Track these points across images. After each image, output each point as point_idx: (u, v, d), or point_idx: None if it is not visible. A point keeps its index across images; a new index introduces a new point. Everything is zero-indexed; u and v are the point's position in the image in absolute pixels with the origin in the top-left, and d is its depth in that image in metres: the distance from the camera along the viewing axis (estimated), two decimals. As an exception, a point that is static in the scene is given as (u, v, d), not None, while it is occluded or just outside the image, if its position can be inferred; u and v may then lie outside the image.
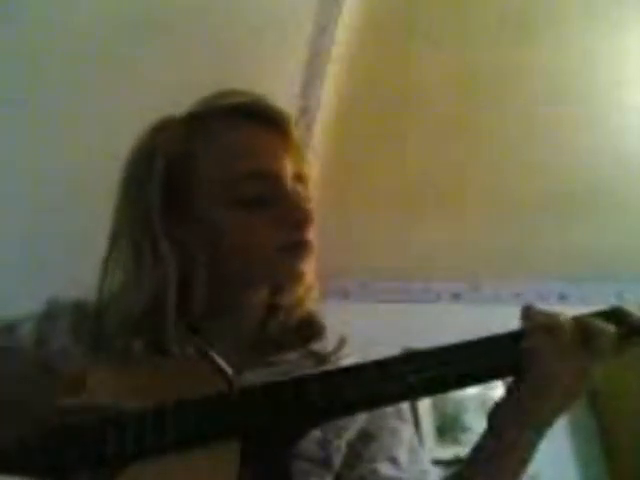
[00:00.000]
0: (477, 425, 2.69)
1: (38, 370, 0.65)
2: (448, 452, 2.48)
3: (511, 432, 0.60)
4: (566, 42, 1.83)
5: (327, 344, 0.74)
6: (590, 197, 2.43)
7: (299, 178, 0.71)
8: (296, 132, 0.71)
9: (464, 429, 2.68)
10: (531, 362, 0.59)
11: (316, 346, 0.73)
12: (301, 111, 1.92)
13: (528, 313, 0.63)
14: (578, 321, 0.61)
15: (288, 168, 0.69)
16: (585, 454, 2.71)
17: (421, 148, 2.21)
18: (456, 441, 2.63)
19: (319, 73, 1.83)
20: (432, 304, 2.90)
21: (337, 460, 0.65)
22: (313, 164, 2.01)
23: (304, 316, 0.75)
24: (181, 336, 0.66)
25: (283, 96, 1.82)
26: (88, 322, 0.69)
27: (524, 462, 0.61)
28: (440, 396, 2.65)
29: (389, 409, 0.71)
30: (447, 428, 2.66)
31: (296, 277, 0.68)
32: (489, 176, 2.34)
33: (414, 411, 2.56)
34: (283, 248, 0.66)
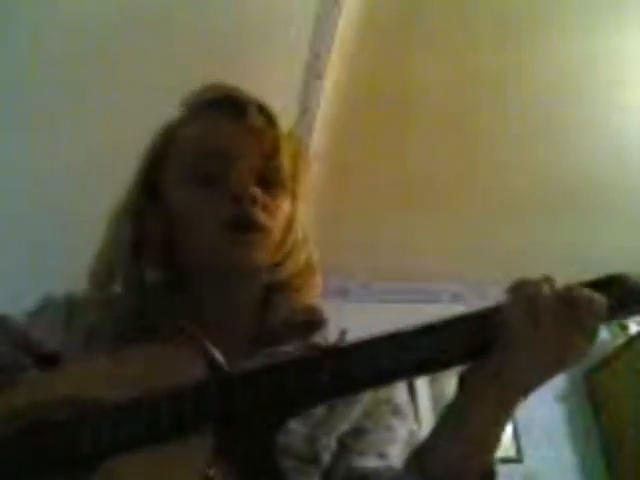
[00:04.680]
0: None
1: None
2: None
3: (467, 405, 0.57)
4: (566, 42, 1.83)
5: (328, 336, 0.73)
6: (591, 197, 2.43)
7: (262, 160, 0.71)
8: (262, 117, 0.72)
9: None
10: (501, 330, 0.56)
11: (317, 338, 0.73)
12: (301, 111, 1.92)
13: (516, 284, 0.59)
14: (567, 290, 0.57)
15: (244, 151, 0.70)
16: (585, 455, 2.71)
17: (421, 148, 2.21)
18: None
19: (319, 73, 1.83)
20: (432, 304, 2.90)
21: (325, 457, 0.64)
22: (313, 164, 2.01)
23: (305, 309, 0.75)
24: (173, 319, 0.66)
25: (283, 96, 1.82)
26: (80, 314, 0.70)
27: (491, 433, 0.58)
28: (440, 390, 2.65)
29: (385, 406, 0.70)
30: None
31: (240, 254, 0.67)
32: (489, 176, 2.34)
33: (414, 405, 2.56)
34: (225, 225, 0.66)
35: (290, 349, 0.70)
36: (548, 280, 0.58)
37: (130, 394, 0.56)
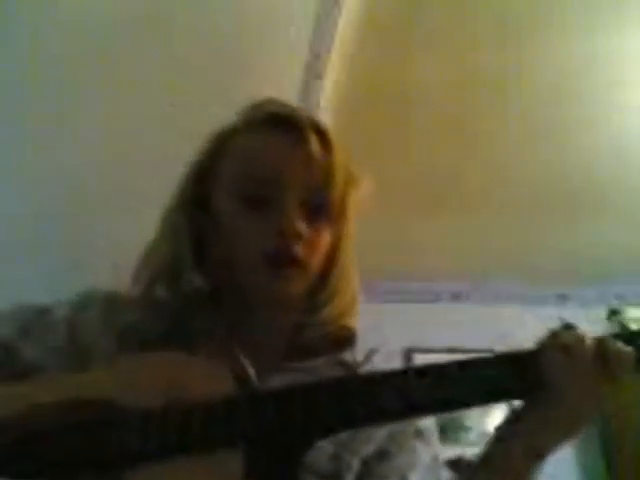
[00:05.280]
0: (478, 425, 2.70)
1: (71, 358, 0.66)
2: (449, 452, 2.49)
3: (516, 448, 0.60)
4: (566, 42, 1.83)
5: (357, 354, 0.74)
6: (590, 197, 2.43)
7: (313, 190, 0.70)
8: (319, 144, 0.70)
9: (465, 429, 2.69)
10: (546, 381, 0.58)
11: (346, 356, 0.73)
12: (301, 111, 1.92)
13: (552, 333, 0.61)
14: (598, 342, 0.59)
15: (297, 179, 0.69)
16: (585, 455, 2.71)
17: (421, 148, 2.21)
18: (457, 441, 2.64)
19: (319, 73, 1.83)
20: (432, 304, 2.90)
21: (348, 478, 0.64)
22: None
23: (338, 327, 0.74)
24: (211, 329, 0.67)
25: (283, 96, 1.81)
26: (119, 312, 0.70)
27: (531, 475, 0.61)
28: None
29: (410, 429, 0.70)
30: (449, 428, 2.66)
31: (276, 287, 0.67)
32: (489, 176, 2.34)
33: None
34: (266, 256, 0.66)
35: (318, 364, 0.70)
36: (580, 335, 0.60)
37: (156, 400, 0.56)
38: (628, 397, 2.64)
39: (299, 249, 0.66)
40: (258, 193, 0.68)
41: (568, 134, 2.16)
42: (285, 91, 1.84)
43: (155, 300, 0.70)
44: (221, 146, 0.74)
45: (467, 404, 0.59)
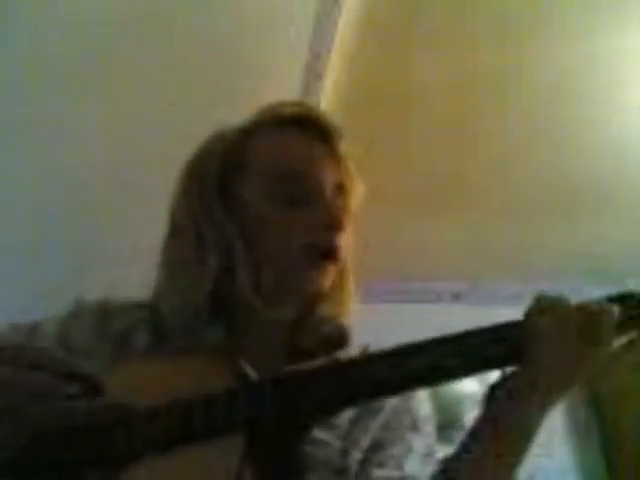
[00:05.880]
0: (477, 425, 2.71)
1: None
2: (447, 450, 2.49)
3: (507, 415, 0.61)
4: (566, 42, 1.83)
5: (351, 352, 0.74)
6: (590, 197, 2.43)
7: (339, 189, 0.72)
8: (343, 144, 0.73)
9: (463, 428, 2.69)
10: (531, 342, 0.60)
11: (341, 355, 0.73)
12: (301, 111, 1.92)
13: (537, 298, 0.63)
14: (581, 303, 0.61)
15: (329, 176, 0.71)
16: (585, 455, 2.71)
17: (421, 148, 2.21)
18: (454, 440, 2.64)
19: (319, 73, 1.83)
20: (432, 304, 2.90)
21: (354, 469, 0.67)
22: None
23: (333, 327, 0.75)
24: (213, 336, 0.68)
25: (283, 96, 1.81)
26: (113, 320, 0.70)
27: (518, 451, 0.62)
28: (439, 394, 2.65)
29: (404, 417, 0.72)
30: (446, 427, 2.66)
31: (313, 281, 0.68)
32: (489, 176, 2.34)
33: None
34: (306, 249, 0.67)
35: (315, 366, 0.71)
36: (563, 296, 0.62)
37: (157, 402, 0.57)
38: (628, 394, 2.64)
39: (341, 242, 0.69)
40: (296, 190, 0.69)
41: (568, 134, 2.16)
42: (285, 91, 1.84)
43: (158, 305, 0.70)
44: (246, 143, 0.74)
45: (460, 375, 0.62)
